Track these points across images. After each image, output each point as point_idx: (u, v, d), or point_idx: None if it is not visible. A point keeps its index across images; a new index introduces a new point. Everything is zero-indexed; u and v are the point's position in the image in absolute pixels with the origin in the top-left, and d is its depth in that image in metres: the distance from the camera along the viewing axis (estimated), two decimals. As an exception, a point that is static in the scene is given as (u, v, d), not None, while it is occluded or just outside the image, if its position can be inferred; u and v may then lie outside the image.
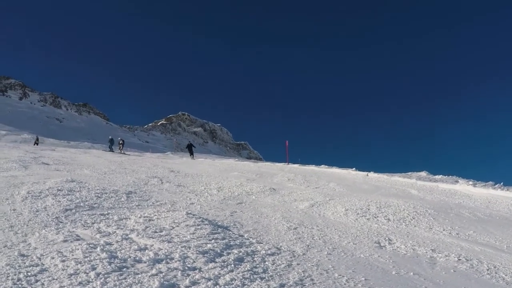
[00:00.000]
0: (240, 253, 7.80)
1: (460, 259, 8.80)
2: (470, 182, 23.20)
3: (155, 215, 10.58)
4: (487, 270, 8.15)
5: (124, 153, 52.52)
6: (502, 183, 22.60)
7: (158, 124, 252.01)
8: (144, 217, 10.26)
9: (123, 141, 60.05)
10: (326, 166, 35.13)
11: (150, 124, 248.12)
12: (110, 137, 62.15)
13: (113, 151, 54.24)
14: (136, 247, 7.47)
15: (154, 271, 6.23)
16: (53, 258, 6.56)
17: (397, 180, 25.96)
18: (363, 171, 30.67)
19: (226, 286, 5.92)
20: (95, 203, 11.85)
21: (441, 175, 27.50)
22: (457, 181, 24.30)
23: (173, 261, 6.84)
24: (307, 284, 6.44)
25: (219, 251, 7.76)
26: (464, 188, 21.96)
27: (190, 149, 53.63)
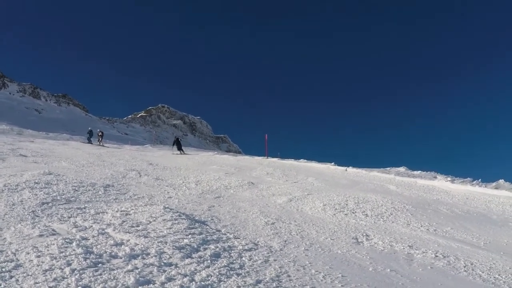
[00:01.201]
0: (217, 249, 7.77)
1: (437, 256, 8.85)
2: (449, 178, 23.36)
3: (132, 209, 10.53)
4: (464, 267, 8.20)
5: (103, 145, 52.26)
6: (480, 180, 22.77)
7: (138, 116, 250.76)
8: (121, 211, 10.21)
9: (102, 133, 59.61)
10: (305, 161, 35.22)
11: (130, 116, 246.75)
12: (89, 128, 61.74)
13: (91, 143, 53.97)
14: (112, 242, 7.42)
15: (130, 267, 6.19)
16: (28, 253, 6.49)
17: (375, 175, 26.09)
18: (342, 166, 30.75)
19: (202, 283, 5.89)
20: (72, 197, 11.77)
21: (420, 171, 27.64)
22: (435, 177, 24.46)
23: (149, 256, 6.80)
24: (283, 281, 6.42)
25: (195, 246, 7.73)
26: (442, 184, 22.12)
27: (178, 144, 48.57)
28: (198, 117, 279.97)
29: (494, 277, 7.63)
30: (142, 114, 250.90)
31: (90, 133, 57.61)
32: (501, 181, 22.39)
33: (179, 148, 47.88)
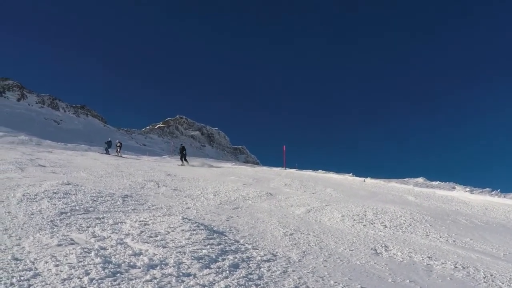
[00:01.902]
0: (236, 259, 7.75)
1: (456, 267, 8.77)
2: (467, 189, 23.22)
3: (151, 219, 10.51)
4: (484, 278, 8.12)
5: (121, 156, 52.45)
6: (499, 190, 22.62)
7: (156, 127, 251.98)
8: (140, 221, 10.19)
9: (120, 143, 59.84)
10: (323, 171, 35.17)
11: (148, 127, 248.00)
12: (108, 139, 61.99)
13: (109, 154, 54.12)
14: (130, 252, 7.41)
15: (148, 277, 6.18)
16: (46, 262, 6.49)
17: (394, 186, 26.00)
18: (360, 176, 30.67)
19: (220, 293, 5.88)
20: (90, 207, 11.78)
21: (438, 181, 27.53)
22: (454, 188, 24.33)
23: (168, 266, 6.78)
24: (302, 292, 6.39)
25: (214, 257, 7.71)
26: (461, 194, 21.98)
27: (182, 153, 44.48)
28: (216, 128, 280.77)
29: (515, 289, 7.58)
30: (160, 125, 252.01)
31: (109, 144, 57.80)
32: (521, 191, 22.24)
33: (183, 158, 44.11)
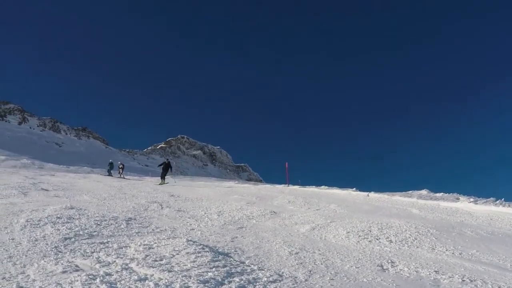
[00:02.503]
0: (242, 281, 7.70)
1: (464, 280, 8.75)
2: (471, 199, 23.24)
3: (155, 242, 10.48)
4: (492, 291, 8.09)
5: (124, 178, 52.56)
6: (503, 199, 22.68)
7: (158, 147, 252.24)
8: (144, 245, 10.16)
9: (123, 165, 60.09)
10: (327, 187, 35.26)
11: (150, 148, 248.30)
12: (110, 160, 62.24)
13: (111, 175, 54.22)
14: (136, 277, 7.37)
15: (155, 303, 6.15)
16: (52, 290, 6.47)
17: (398, 199, 26.06)
18: (364, 191, 30.73)
19: (228, 316, 5.84)
20: (94, 231, 11.74)
21: (442, 193, 27.58)
22: (458, 199, 24.37)
23: (174, 291, 6.75)
24: (310, 312, 6.36)
25: (220, 279, 7.67)
26: (465, 205, 22.03)
27: (165, 169, 41.71)
28: (218, 147, 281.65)
29: (523, 300, 7.55)
30: (162, 145, 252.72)
31: (111, 166, 58.08)
32: (525, 199, 22.27)
33: (163, 176, 41.34)
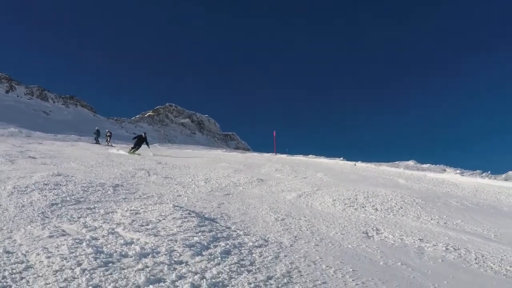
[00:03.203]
0: (227, 246, 7.73)
1: (448, 249, 8.80)
2: (458, 171, 23.41)
3: (142, 208, 10.53)
4: (475, 259, 8.14)
5: (112, 145, 52.38)
6: (489, 172, 22.86)
7: (146, 115, 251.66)
8: (131, 210, 10.20)
9: (110, 133, 59.84)
10: (314, 156, 35.34)
11: (138, 116, 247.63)
12: (96, 128, 61.89)
13: (99, 143, 54.06)
14: (122, 241, 7.40)
15: (140, 266, 6.16)
16: (38, 254, 6.46)
17: (384, 169, 26.19)
18: (351, 161, 30.80)
19: (213, 280, 5.86)
20: (81, 197, 11.75)
21: (429, 164, 27.72)
22: (444, 170, 24.53)
23: (160, 255, 6.76)
24: (294, 276, 6.39)
25: (206, 244, 7.70)
26: (451, 177, 22.16)
27: (139, 143, 37.74)
28: (206, 115, 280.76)
29: (506, 269, 7.59)
30: (150, 113, 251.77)
31: (97, 133, 57.79)
32: (511, 172, 22.42)
33: (136, 146, 37.45)
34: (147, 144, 38.50)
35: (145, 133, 40.39)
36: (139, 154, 34.99)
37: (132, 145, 38.22)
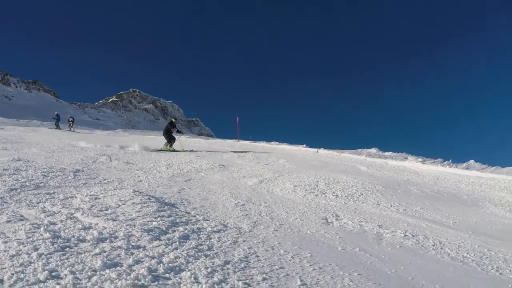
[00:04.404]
0: (186, 231, 7.73)
1: (406, 235, 8.88)
2: (419, 159, 23.63)
3: (102, 193, 10.49)
4: (433, 245, 8.23)
5: (74, 131, 52.09)
6: (450, 160, 23.09)
7: (109, 101, 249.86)
8: (90, 195, 10.16)
9: (73, 118, 59.39)
10: (277, 143, 35.38)
11: (101, 101, 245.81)
12: (56, 113, 61.24)
13: (59, 128, 53.68)
14: (80, 226, 7.36)
15: (97, 250, 6.14)
16: (-5, 239, 6.44)
17: (347, 156, 26.35)
18: (314, 147, 30.89)
19: (170, 264, 5.85)
20: (41, 182, 11.66)
21: (391, 152, 27.86)
22: (406, 158, 24.75)
23: (117, 239, 6.74)
24: (252, 261, 6.41)
25: (164, 228, 7.70)
26: (413, 165, 22.38)
27: (168, 131, 29.94)
28: (170, 101, 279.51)
29: (463, 256, 7.68)
30: (113, 99, 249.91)
31: (57, 118, 57.09)
32: (472, 161, 22.71)
33: (170, 141, 30.22)
34: (179, 132, 31.66)
35: (175, 119, 32.65)
36: (174, 150, 28.51)
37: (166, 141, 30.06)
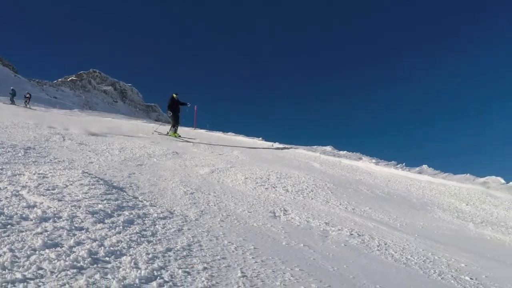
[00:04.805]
0: (131, 215, 7.70)
1: (352, 234, 8.98)
2: (373, 160, 23.79)
3: (50, 172, 10.35)
4: (378, 246, 8.33)
5: (30, 108, 51.56)
6: (404, 164, 23.28)
7: (68, 80, 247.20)
8: (39, 174, 10.01)
9: (30, 95, 58.77)
10: (233, 134, 35.36)
11: (60, 80, 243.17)
12: (11, 88, 60.44)
13: (15, 104, 53.08)
14: (24, 204, 7.26)
15: (39, 230, 6.08)
16: None
17: (301, 152, 26.43)
18: (270, 141, 30.96)
19: (111, 248, 5.82)
20: (-11, 158, 11.53)
21: (345, 151, 27.99)
22: (360, 158, 24.88)
23: (61, 220, 6.67)
24: (194, 250, 6.40)
25: (109, 212, 7.65)
26: (366, 165, 22.53)
27: (174, 108, 27.91)
28: (130, 85, 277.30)
29: (406, 258, 7.78)
30: (72, 78, 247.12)
31: (13, 93, 56.35)
32: (425, 166, 22.94)
33: (176, 123, 28.04)
34: (183, 104, 28.74)
35: (176, 94, 28.48)
36: (179, 136, 27.34)
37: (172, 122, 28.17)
